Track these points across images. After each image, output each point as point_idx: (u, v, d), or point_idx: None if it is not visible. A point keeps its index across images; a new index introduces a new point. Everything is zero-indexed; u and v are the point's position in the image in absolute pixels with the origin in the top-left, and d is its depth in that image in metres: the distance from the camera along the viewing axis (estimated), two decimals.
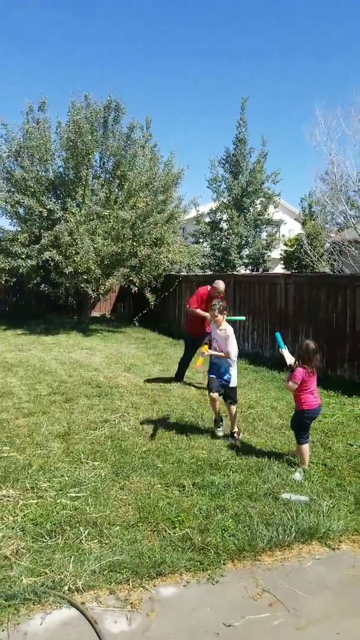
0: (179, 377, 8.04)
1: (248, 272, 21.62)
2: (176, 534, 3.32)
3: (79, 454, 4.70)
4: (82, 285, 13.06)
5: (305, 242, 20.36)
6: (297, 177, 61.70)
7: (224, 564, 3.07)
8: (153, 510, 3.61)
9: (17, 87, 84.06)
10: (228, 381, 5.46)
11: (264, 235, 22.97)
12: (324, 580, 2.99)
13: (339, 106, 28.92)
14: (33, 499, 3.78)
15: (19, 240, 12.69)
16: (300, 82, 69.94)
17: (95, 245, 12.34)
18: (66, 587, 2.77)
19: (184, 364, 8.04)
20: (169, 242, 14.09)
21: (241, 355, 10.17)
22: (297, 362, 4.51)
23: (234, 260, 21.00)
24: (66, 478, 4.15)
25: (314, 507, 3.72)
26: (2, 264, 12.72)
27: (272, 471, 4.38)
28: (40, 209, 12.80)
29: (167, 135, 62.18)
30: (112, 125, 13.78)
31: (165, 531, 3.36)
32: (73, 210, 12.67)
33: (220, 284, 7.54)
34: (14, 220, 13.73)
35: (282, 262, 24.31)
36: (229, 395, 5.49)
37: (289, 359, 4.69)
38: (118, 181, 13.62)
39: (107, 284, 13.32)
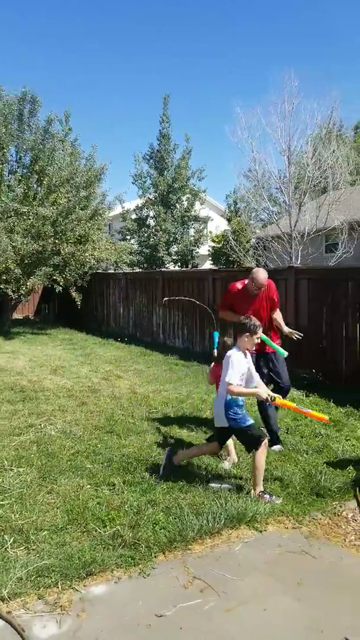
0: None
1: (177, 268, 21.83)
2: (107, 533, 3.30)
3: (2, 461, 4.53)
4: (1, 287, 12.48)
5: (231, 238, 20.89)
6: (222, 174, 63.07)
7: (155, 556, 3.10)
8: (82, 511, 3.57)
9: None
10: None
11: (191, 231, 23.30)
12: (252, 562, 3.10)
13: (259, 105, 29.75)
14: None
15: None
16: (221, 80, 71.39)
17: (13, 244, 11.86)
18: None
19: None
20: (94, 240, 13.88)
21: (172, 350, 10.34)
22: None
23: (162, 257, 21.14)
24: None
25: (243, 493, 3.84)
26: None
27: (202, 462, 4.47)
28: None
29: (88, 129, 61.33)
30: (27, 118, 13.33)
31: (96, 531, 3.34)
32: None
33: (261, 274, 5.00)
34: None
35: (210, 258, 24.80)
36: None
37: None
38: (37, 176, 13.20)
39: (28, 284, 12.86)
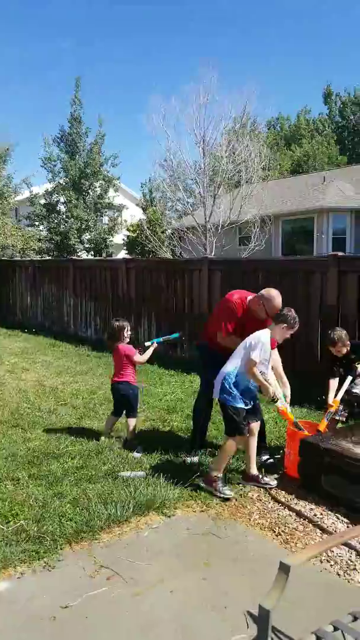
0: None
1: (90, 257, 21.44)
2: (10, 528, 3.19)
3: None
4: None
5: (146, 227, 20.84)
6: (137, 162, 62.75)
7: (61, 548, 3.04)
8: None
9: None
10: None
11: (105, 219, 22.94)
12: (160, 546, 3.14)
13: (175, 94, 29.96)
14: None
15: None
16: (139, 68, 70.67)
17: None
18: None
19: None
20: None
21: (84, 341, 10.16)
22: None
23: (74, 244, 20.62)
24: None
25: (152, 480, 3.87)
26: None
27: (112, 452, 4.45)
28: None
29: None
30: None
31: None
32: None
33: (278, 301, 4.02)
34: None
35: (125, 247, 24.59)
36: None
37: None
38: None
39: None
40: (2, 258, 14.04)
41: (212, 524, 3.42)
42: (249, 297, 4.24)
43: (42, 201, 21.42)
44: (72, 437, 4.86)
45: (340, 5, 59.37)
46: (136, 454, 4.43)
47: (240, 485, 3.96)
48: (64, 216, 21.04)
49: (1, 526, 3.22)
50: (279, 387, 4.09)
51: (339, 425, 4.52)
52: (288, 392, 4.22)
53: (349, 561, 3.00)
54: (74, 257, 14.85)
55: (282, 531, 3.34)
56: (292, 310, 3.92)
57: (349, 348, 4.40)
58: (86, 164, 21.07)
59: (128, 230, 24.09)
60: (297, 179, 24.53)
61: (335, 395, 4.34)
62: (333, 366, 4.48)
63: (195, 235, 17.71)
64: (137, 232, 22.42)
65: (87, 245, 21.89)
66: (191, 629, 2.45)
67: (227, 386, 3.77)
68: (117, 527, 3.31)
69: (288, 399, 4.19)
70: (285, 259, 10.70)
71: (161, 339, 5.14)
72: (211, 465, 3.94)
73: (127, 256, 21.77)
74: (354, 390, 4.44)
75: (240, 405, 3.79)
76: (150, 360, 8.13)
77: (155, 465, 4.22)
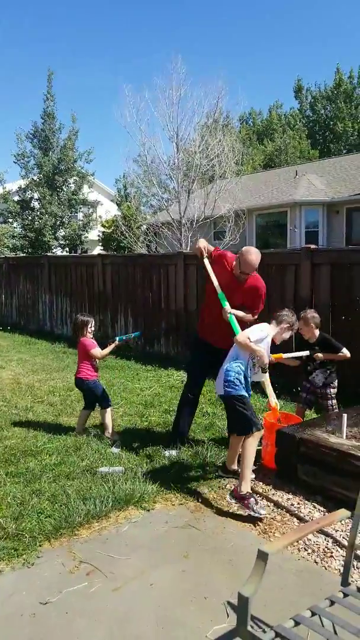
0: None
1: (65, 253, 21.22)
2: None
3: None
4: None
5: (121, 223, 20.70)
6: (111, 157, 62.19)
7: (40, 545, 3.03)
8: None
9: None
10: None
11: (80, 216, 22.75)
12: (139, 540, 3.15)
13: (147, 88, 29.69)
14: None
15: None
16: (110, 61, 70.01)
17: None
18: None
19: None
20: None
21: (60, 339, 10.07)
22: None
23: (48, 241, 20.40)
24: None
25: (130, 475, 3.87)
26: None
27: (90, 448, 4.44)
28: None
29: None
30: None
31: None
32: None
33: (253, 256, 4.02)
34: None
35: (100, 243, 24.40)
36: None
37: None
38: None
39: None
40: None
41: (191, 517, 3.44)
42: (228, 254, 4.33)
43: (16, 198, 21.11)
44: (50, 434, 4.83)
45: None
46: (114, 450, 4.43)
47: (217, 476, 3.99)
48: (38, 213, 20.78)
49: None
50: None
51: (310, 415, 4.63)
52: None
53: (325, 549, 3.06)
54: (48, 254, 14.70)
55: (260, 522, 3.38)
56: (293, 313, 3.94)
57: (316, 335, 4.48)
58: (60, 160, 20.84)
59: (103, 226, 23.93)
60: (269, 173, 24.73)
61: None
62: (302, 346, 4.57)
63: (170, 230, 17.69)
64: (112, 228, 22.26)
65: (61, 242, 21.68)
66: (171, 621, 2.47)
67: (230, 377, 3.54)
68: (96, 523, 3.31)
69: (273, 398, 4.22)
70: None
71: (124, 337, 5.13)
72: (239, 482, 3.50)
73: (103, 252, 21.64)
74: (315, 381, 4.53)
75: (245, 393, 3.56)
76: (127, 356, 8.20)
77: (133, 460, 4.23)
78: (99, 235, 24.27)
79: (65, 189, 21.48)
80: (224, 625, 2.42)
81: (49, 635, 2.36)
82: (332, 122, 39.71)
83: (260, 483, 3.92)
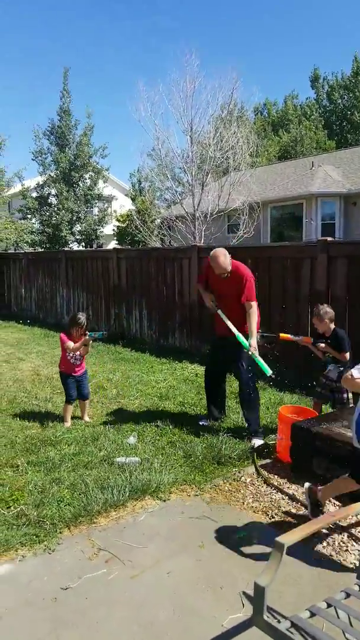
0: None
1: (81, 248, 21.36)
2: (10, 513, 3.26)
3: None
4: None
5: (136, 217, 20.75)
6: (125, 152, 62.17)
7: (60, 532, 3.12)
8: None
9: None
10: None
11: (95, 210, 22.85)
12: (156, 530, 3.22)
13: (162, 82, 29.64)
14: None
15: None
16: (124, 55, 69.81)
17: None
18: None
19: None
20: None
21: None
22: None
23: (65, 236, 20.56)
24: None
25: (147, 466, 3.94)
26: None
27: (107, 439, 4.52)
28: None
29: None
30: None
31: None
32: None
33: (220, 260, 4.51)
34: None
35: (115, 238, 24.50)
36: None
37: None
38: None
39: None
40: None
41: (206, 508, 3.49)
42: (205, 264, 4.78)
43: (34, 194, 21.29)
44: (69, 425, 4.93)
45: None
46: (131, 440, 4.50)
47: (236, 470, 4.04)
48: (56, 208, 20.93)
49: (2, 511, 3.28)
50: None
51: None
52: (254, 342, 4.48)
53: (341, 542, 3.08)
54: (66, 249, 14.84)
55: (275, 514, 3.42)
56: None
57: (330, 329, 4.49)
58: (76, 156, 20.94)
59: (118, 220, 24.00)
60: (285, 164, 24.50)
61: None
62: (317, 339, 4.59)
63: (184, 223, 17.69)
64: (127, 222, 22.33)
65: (78, 237, 21.82)
66: (188, 608, 2.53)
67: None
68: (114, 512, 3.38)
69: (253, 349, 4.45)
70: (274, 245, 10.71)
71: (93, 334, 5.15)
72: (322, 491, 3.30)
73: (118, 246, 21.72)
74: (330, 375, 4.54)
75: None
76: (142, 349, 8.28)
77: (149, 451, 4.29)
78: (113, 230, 24.36)
79: (81, 185, 21.58)
80: (239, 615, 2.47)
81: (69, 620, 2.44)
82: (349, 112, 39.09)
83: (276, 476, 3.95)
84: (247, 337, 4.49)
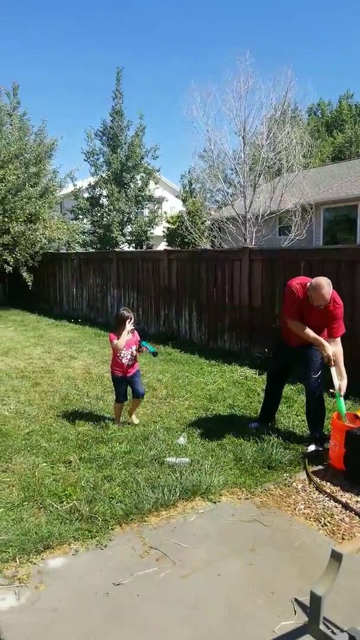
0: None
1: (132, 249, 21.65)
2: (63, 508, 3.34)
3: None
4: None
5: (186, 219, 20.83)
6: (177, 153, 62.53)
7: (112, 529, 3.16)
8: (39, 488, 3.59)
9: None
10: None
11: (146, 212, 23.05)
12: (206, 531, 3.21)
13: (215, 83, 29.56)
14: None
15: None
16: (177, 57, 70.28)
17: None
18: None
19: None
20: (45, 218, 13.56)
21: None
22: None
23: (116, 237, 20.85)
24: None
25: (197, 467, 3.94)
26: None
27: (157, 438, 4.55)
28: None
29: (38, 103, 59.16)
30: None
31: (52, 506, 3.36)
32: None
33: (325, 290, 4.12)
34: None
35: (165, 239, 24.66)
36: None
37: None
38: None
39: None
40: (49, 251, 14.39)
41: (257, 512, 3.45)
42: (296, 292, 4.34)
43: (86, 195, 21.72)
44: (119, 424, 4.99)
45: None
46: (181, 441, 4.51)
47: (286, 475, 3.98)
48: (107, 209, 21.27)
49: (56, 505, 3.37)
50: (337, 379, 4.18)
51: None
52: (344, 385, 4.26)
53: None
54: (117, 250, 15.07)
55: (328, 522, 3.34)
56: None
57: None
58: (127, 157, 21.20)
59: (168, 222, 24.10)
60: (339, 165, 23.92)
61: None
62: None
63: (235, 225, 17.59)
64: (177, 223, 22.41)
65: (128, 238, 22.08)
66: (239, 611, 2.50)
67: None
68: (164, 511, 3.40)
69: (343, 392, 4.23)
70: (328, 248, 10.51)
71: (147, 344, 5.00)
72: None
73: (168, 248, 21.86)
74: None
75: None
76: (191, 350, 8.29)
77: (199, 452, 4.29)
78: (163, 231, 24.50)
79: (132, 186, 21.82)
80: (291, 622, 2.43)
81: (121, 615, 2.47)
82: None
83: (328, 483, 3.86)
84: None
